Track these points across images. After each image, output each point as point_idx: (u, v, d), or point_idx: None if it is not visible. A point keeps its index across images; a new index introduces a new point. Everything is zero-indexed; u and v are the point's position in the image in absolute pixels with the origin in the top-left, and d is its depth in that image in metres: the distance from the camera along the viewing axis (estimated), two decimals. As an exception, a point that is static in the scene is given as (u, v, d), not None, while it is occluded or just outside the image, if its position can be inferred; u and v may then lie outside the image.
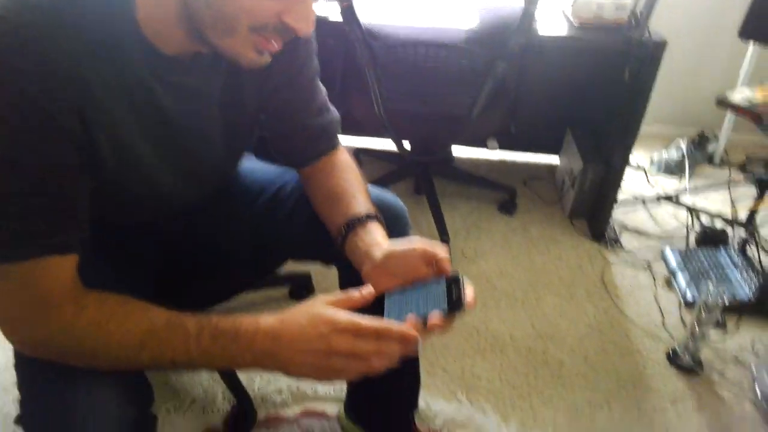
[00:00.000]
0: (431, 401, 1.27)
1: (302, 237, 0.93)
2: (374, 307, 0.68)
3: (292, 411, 1.25)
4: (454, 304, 0.66)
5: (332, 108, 0.92)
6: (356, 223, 0.79)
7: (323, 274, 1.64)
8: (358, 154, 2.23)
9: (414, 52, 1.50)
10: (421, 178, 2.03)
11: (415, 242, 0.73)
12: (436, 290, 0.68)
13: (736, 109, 1.15)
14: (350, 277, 0.79)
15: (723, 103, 1.17)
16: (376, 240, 0.76)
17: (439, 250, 0.72)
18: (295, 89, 0.85)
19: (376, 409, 1.06)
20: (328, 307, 0.64)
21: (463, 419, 1.23)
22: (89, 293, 0.64)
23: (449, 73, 1.55)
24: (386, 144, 2.10)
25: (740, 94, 1.21)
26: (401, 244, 0.73)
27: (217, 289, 1.03)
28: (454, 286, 0.68)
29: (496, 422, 1.23)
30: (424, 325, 0.65)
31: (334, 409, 1.23)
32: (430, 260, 0.71)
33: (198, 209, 0.91)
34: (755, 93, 1.21)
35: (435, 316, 0.65)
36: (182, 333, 0.63)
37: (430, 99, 1.64)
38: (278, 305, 1.52)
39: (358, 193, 0.85)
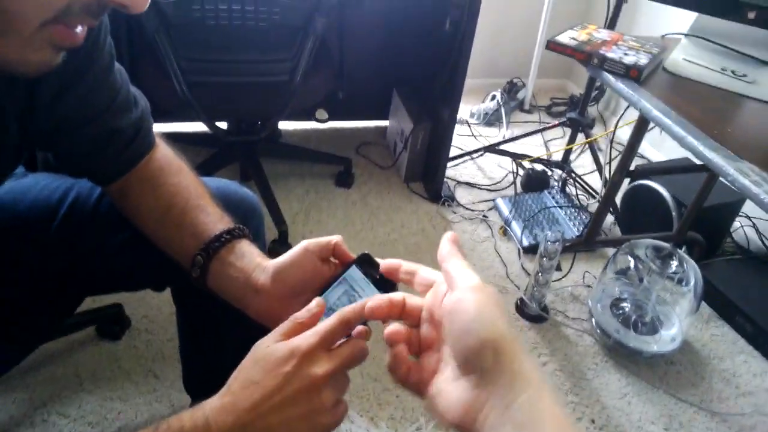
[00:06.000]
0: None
1: (123, 265, 0.71)
2: None
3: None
4: (383, 286, 0.54)
5: (137, 91, 0.68)
6: (217, 246, 0.60)
7: (138, 298, 1.36)
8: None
9: (214, 8, 1.24)
10: (247, 162, 1.80)
11: (300, 245, 0.57)
12: (354, 282, 0.55)
13: (566, 49, 1.17)
14: (193, 298, 0.65)
15: (555, 45, 1.19)
16: (254, 261, 0.59)
17: (330, 237, 0.58)
18: (90, 85, 0.60)
19: None
20: (277, 343, 0.48)
21: (329, 435, 1.08)
22: None
23: (261, 32, 1.33)
24: (198, 126, 1.83)
25: (568, 36, 1.22)
26: (285, 255, 0.57)
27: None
28: (368, 266, 0.55)
29: (365, 428, 1.12)
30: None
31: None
32: (326, 252, 0.57)
33: None
34: (579, 33, 1.24)
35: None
36: None
37: (242, 66, 1.41)
38: (86, 351, 1.22)
39: (201, 201, 0.65)
